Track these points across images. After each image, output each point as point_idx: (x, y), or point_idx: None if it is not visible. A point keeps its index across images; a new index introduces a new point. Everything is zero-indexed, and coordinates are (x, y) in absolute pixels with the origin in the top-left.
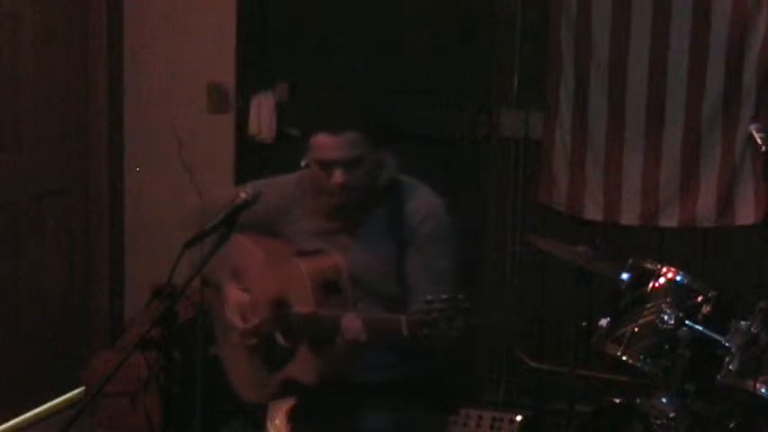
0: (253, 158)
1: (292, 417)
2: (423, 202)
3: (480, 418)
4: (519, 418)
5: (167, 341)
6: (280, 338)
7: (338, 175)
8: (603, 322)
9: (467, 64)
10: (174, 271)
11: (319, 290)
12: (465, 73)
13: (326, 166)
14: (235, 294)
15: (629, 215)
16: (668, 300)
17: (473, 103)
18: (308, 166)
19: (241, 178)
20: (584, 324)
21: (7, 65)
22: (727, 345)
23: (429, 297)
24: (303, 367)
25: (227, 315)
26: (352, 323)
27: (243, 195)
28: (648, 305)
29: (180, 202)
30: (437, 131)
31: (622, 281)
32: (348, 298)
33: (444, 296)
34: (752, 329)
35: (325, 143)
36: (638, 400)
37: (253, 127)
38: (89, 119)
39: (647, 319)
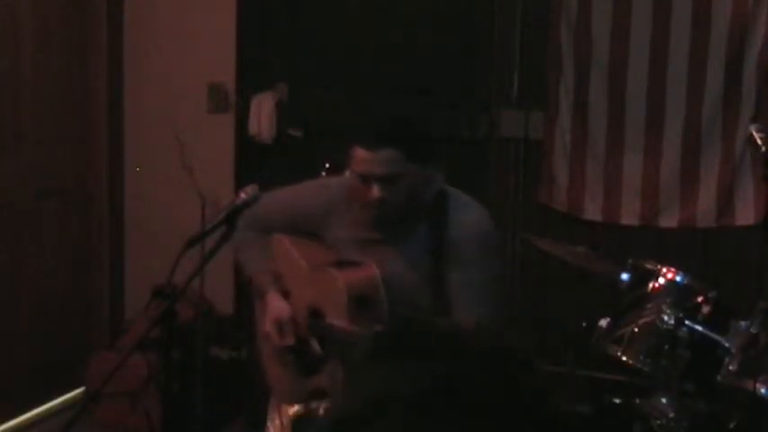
0: (253, 158)
1: (296, 423)
2: (468, 219)
3: None
4: None
5: (167, 341)
6: (315, 345)
7: (375, 191)
8: (603, 322)
9: (467, 64)
10: (175, 271)
11: (354, 303)
12: (465, 73)
13: (364, 179)
14: (275, 306)
15: (629, 215)
16: (668, 300)
17: (473, 103)
18: (350, 174)
19: (241, 178)
20: (584, 324)
21: (7, 65)
22: (726, 345)
23: None
24: (332, 380)
25: (266, 327)
26: None
27: (243, 195)
28: (648, 305)
29: (180, 202)
30: (437, 131)
31: (622, 281)
32: (383, 313)
33: None
34: (752, 330)
35: (364, 157)
36: (637, 400)
37: (253, 127)
38: (89, 119)
39: (647, 319)
